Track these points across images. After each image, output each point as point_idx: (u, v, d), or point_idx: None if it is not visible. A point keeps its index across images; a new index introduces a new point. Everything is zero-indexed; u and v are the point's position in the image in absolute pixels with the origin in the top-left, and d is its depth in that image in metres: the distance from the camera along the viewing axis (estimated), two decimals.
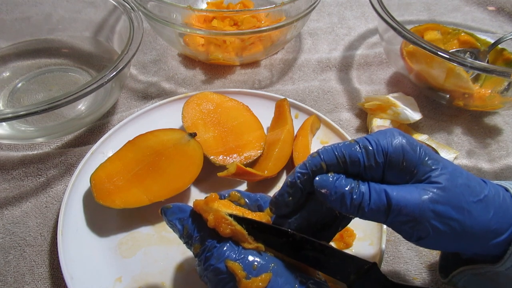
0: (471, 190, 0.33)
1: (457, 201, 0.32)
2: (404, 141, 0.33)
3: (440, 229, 0.32)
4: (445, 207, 0.31)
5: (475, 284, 0.37)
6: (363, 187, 0.32)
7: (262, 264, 0.33)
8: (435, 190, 0.32)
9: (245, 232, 0.34)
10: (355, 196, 0.32)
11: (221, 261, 0.33)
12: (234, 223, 0.34)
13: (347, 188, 0.32)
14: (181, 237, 0.36)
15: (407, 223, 0.32)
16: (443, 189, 0.32)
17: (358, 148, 0.33)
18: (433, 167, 0.33)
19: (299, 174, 0.34)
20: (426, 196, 0.31)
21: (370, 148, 0.33)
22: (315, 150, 0.35)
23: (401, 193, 0.31)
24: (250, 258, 0.33)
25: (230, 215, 0.34)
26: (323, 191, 0.32)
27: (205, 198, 0.36)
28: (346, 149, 0.33)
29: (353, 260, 0.33)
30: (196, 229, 0.35)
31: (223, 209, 0.34)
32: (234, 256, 0.33)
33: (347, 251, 0.47)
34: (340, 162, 0.33)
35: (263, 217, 0.36)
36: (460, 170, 0.34)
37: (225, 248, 0.33)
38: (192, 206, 0.37)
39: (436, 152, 0.56)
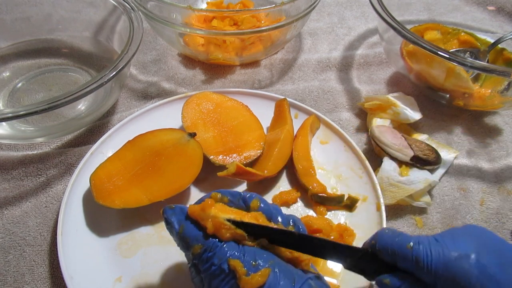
0: None
1: None
2: None
3: None
4: None
5: None
6: None
7: (261, 260, 0.33)
8: None
9: (245, 235, 0.34)
10: None
11: (224, 260, 0.33)
12: (233, 227, 0.34)
13: None
14: (175, 237, 0.36)
15: None
16: None
17: None
18: None
19: None
20: None
21: None
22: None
23: None
24: (250, 254, 0.33)
25: (228, 220, 0.34)
26: None
27: (201, 204, 0.36)
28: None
29: (349, 249, 0.37)
30: (196, 229, 0.35)
31: (221, 215, 0.35)
32: (237, 254, 0.33)
33: None
34: None
35: (258, 217, 0.36)
36: None
37: (227, 248, 0.34)
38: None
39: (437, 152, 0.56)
